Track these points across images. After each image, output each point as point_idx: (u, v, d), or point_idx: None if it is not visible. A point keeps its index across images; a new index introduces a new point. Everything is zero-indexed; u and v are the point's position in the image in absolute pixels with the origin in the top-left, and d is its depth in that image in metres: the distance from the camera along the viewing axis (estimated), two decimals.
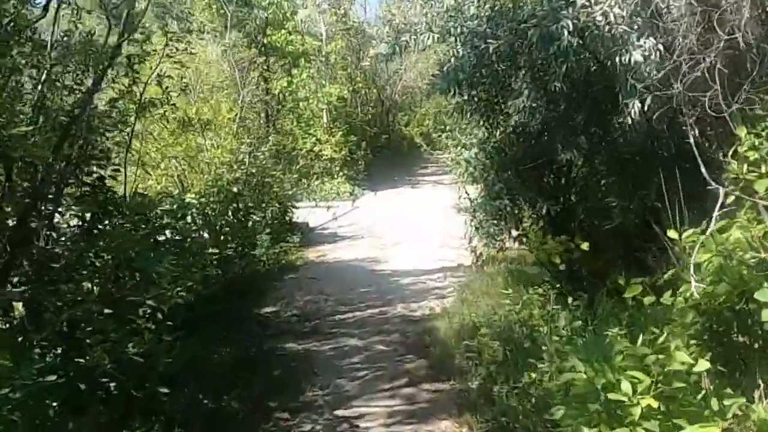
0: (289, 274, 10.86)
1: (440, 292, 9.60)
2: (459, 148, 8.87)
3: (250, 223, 12.07)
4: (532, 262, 9.00)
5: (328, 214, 15.02)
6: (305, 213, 13.83)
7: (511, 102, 6.21)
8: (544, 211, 7.07)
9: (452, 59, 7.06)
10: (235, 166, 11.94)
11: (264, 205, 12.16)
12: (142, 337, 5.46)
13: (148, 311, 5.71)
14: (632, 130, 5.82)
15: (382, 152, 21.58)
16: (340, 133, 18.97)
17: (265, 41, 18.65)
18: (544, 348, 6.37)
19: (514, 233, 8.34)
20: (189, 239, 8.81)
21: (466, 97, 7.29)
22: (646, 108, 5.64)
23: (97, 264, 6.08)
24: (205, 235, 10.11)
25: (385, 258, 11.60)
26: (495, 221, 7.73)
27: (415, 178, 22.13)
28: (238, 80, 13.71)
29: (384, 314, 8.74)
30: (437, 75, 7.20)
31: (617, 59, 5.57)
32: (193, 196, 10.81)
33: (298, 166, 13.04)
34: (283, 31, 18.43)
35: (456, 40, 6.98)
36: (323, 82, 19.10)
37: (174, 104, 8.37)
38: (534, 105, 6.12)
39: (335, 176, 18.53)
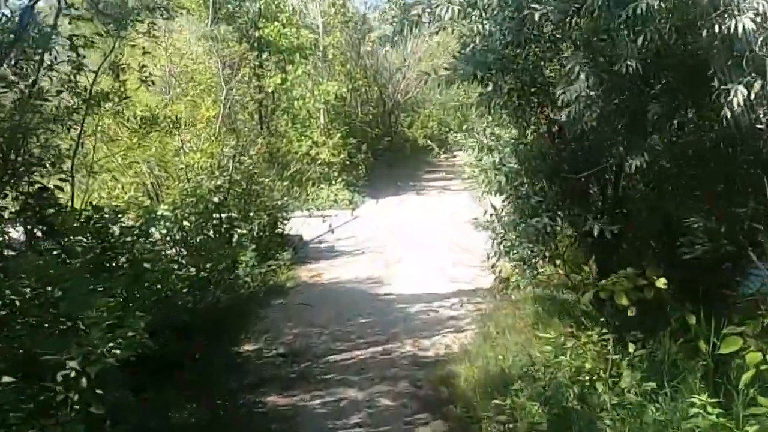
0: (278, 298, 9.29)
1: (456, 323, 8.03)
2: (479, 151, 7.28)
3: (235, 238, 10.55)
4: (565, 283, 7.46)
5: (324, 226, 13.48)
6: (299, 223, 12.26)
7: (561, 90, 4.63)
8: (595, 232, 5.48)
9: (477, 38, 5.50)
10: (217, 172, 10.40)
11: (251, 216, 10.62)
12: (56, 416, 3.97)
13: (72, 374, 4.17)
14: (729, 127, 4.24)
15: (385, 156, 20.01)
16: (339, 134, 17.42)
17: (257, 34, 17.09)
18: (604, 416, 4.82)
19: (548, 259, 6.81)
20: (152, 263, 7.34)
21: (491, 87, 5.73)
22: (752, 96, 4.09)
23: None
24: (183, 251, 8.62)
25: (388, 278, 10.03)
26: (530, 244, 6.14)
27: (420, 183, 20.57)
28: (221, 75, 12.11)
29: (389, 353, 7.17)
30: (458, 57, 5.63)
31: (715, 28, 4.01)
32: (167, 207, 9.35)
33: (290, 172, 11.46)
34: (276, 23, 16.87)
35: (482, 14, 5.40)
36: (320, 78, 17.54)
37: (129, 97, 6.84)
38: (592, 93, 4.54)
39: (333, 182, 16.97)
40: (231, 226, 10.44)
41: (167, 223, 9.23)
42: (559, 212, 5.86)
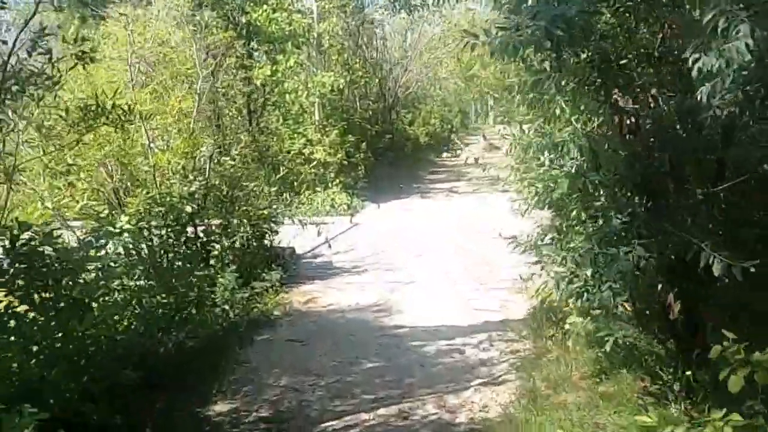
0: (263, 332, 7.53)
1: (489, 371, 6.29)
2: (525, 151, 5.57)
3: (214, 254, 8.82)
4: (628, 318, 5.75)
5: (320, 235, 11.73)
6: (290, 233, 10.48)
7: (696, 55, 2.90)
8: (717, 270, 3.72)
9: None
10: (192, 176, 8.67)
11: (232, 228, 8.88)
12: None
13: None
14: None
15: (386, 155, 18.26)
16: (335, 131, 15.67)
17: (245, 20, 15.32)
18: None
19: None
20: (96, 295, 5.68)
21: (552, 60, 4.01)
22: None
23: None
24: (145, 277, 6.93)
25: (397, 305, 8.27)
26: (614, 283, 4.36)
27: (425, 185, 18.83)
28: (197, 60, 10.36)
29: (405, 417, 5.42)
30: (511, 17, 3.87)
31: None
32: (127, 219, 7.62)
33: (281, 174, 9.71)
34: (265, 6, 15.09)
35: None
36: (315, 70, 15.79)
37: (58, 82, 5.08)
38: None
39: (329, 185, 15.22)
40: (208, 240, 8.74)
41: (127, 240, 7.55)
42: (661, 239, 4.10)
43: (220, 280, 8.23)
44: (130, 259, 7.00)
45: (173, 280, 6.66)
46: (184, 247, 8.34)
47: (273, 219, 9.34)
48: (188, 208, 8.21)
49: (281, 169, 15.22)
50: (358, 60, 16.93)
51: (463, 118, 34.00)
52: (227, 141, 15.86)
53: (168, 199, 8.21)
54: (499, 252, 10.19)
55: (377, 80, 17.88)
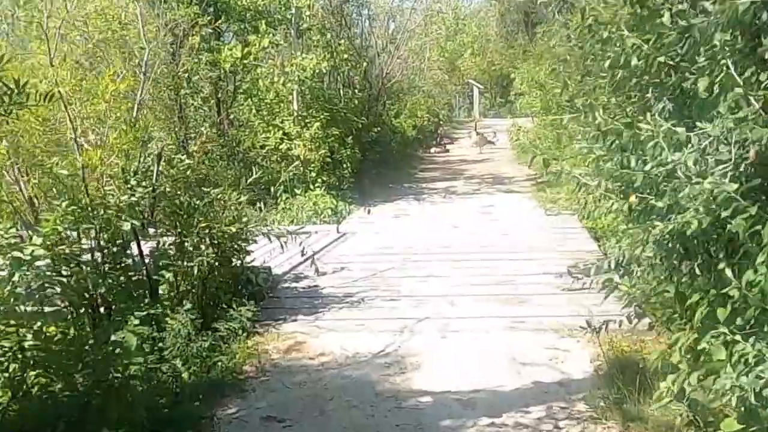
0: (228, 404, 5.35)
1: None
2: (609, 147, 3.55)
3: (164, 286, 6.66)
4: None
5: (303, 249, 9.59)
6: (267, 246, 8.21)
7: None
8: None
9: None
10: (134, 181, 6.46)
11: (189, 249, 6.71)
12: None
13: None
14: None
15: (373, 150, 16.08)
16: (317, 124, 13.47)
17: None
18: None
19: None
20: None
21: None
22: None
23: None
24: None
25: (411, 354, 6.11)
26: None
27: (417, 185, 16.67)
28: (143, 36, 8.11)
29: None
30: None
31: None
32: (41, 241, 5.52)
33: (252, 177, 7.49)
34: None
35: None
36: (293, 52, 13.58)
37: None
38: None
39: (311, 186, 13.03)
40: (156, 266, 6.59)
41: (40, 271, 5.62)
42: None
43: (171, 323, 6.08)
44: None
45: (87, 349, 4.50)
46: (121, 279, 6.23)
47: (243, 237, 7.15)
48: (126, 225, 6.07)
49: (254, 168, 13.04)
50: (342, 42, 14.70)
51: (449, 111, 31.94)
52: (190, 135, 13.66)
53: (101, 212, 6.05)
54: (530, 275, 8.10)
55: (363, 66, 15.65)
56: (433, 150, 23.28)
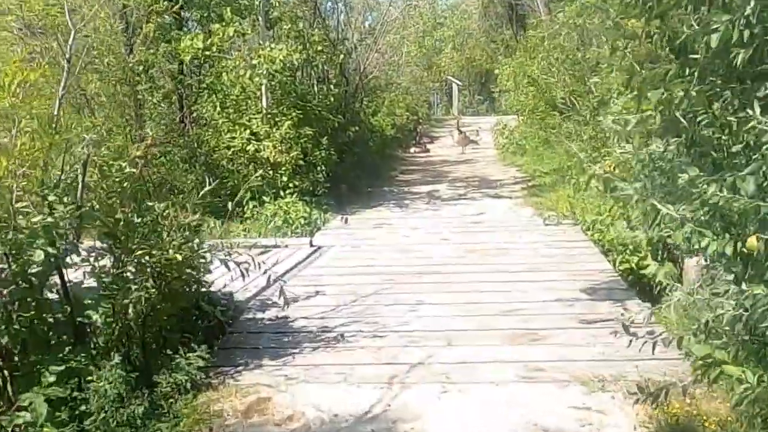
0: None
1: None
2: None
3: (93, 328, 5.32)
4: None
5: (271, 268, 8.24)
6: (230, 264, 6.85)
7: None
8: None
9: None
10: (53, 197, 5.10)
11: (124, 285, 5.33)
12: None
13: None
14: None
15: (350, 151, 14.74)
16: (288, 123, 12.11)
17: None
18: None
19: None
20: None
21: None
22: None
23: None
24: None
25: (404, 421, 4.79)
26: None
27: (398, 188, 15.35)
28: (67, 12, 6.69)
29: None
30: None
31: None
32: None
33: (210, 186, 6.13)
34: None
35: None
36: (261, 42, 12.19)
37: None
38: None
39: (281, 192, 11.67)
40: (83, 305, 5.26)
41: None
42: None
43: (96, 383, 4.73)
44: None
45: None
46: (35, 323, 4.92)
47: (193, 265, 5.80)
48: (39, 255, 4.74)
49: (218, 172, 11.71)
50: (316, 31, 13.32)
51: (427, 109, 30.68)
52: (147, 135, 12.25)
53: (9, 236, 4.73)
54: (535, 299, 6.86)
55: (339, 59, 14.26)
56: (412, 150, 21.99)
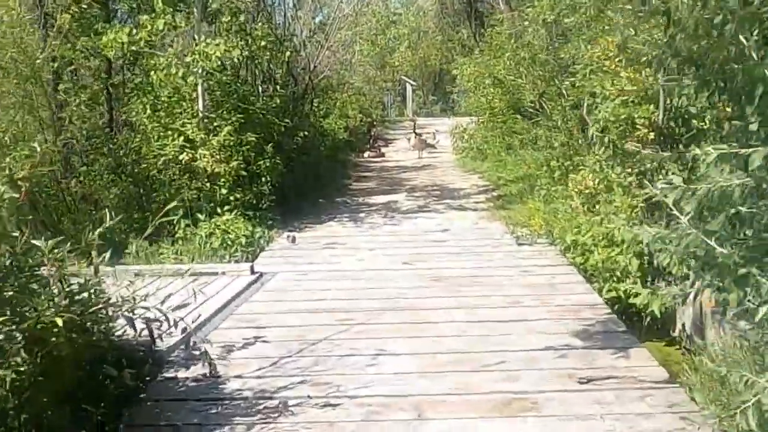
0: None
1: None
2: None
3: None
4: None
5: (208, 305, 6.90)
6: (160, 291, 5.45)
7: None
8: None
9: None
10: None
11: None
12: None
13: None
14: None
15: (299, 159, 13.37)
16: (228, 128, 10.71)
17: None
18: None
19: None
20: None
21: None
22: None
23: None
24: None
25: None
26: None
27: (352, 199, 14.07)
28: None
29: None
30: None
31: None
32: None
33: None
34: None
35: None
36: (196, 36, 10.76)
37: None
38: None
39: (219, 208, 10.26)
40: None
41: None
42: None
43: None
44: None
45: None
46: None
47: (83, 327, 4.41)
48: None
49: (145, 185, 10.29)
50: (259, 25, 11.90)
51: (382, 110, 29.44)
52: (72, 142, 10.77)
53: None
54: (519, 346, 5.68)
55: (286, 56, 12.84)
56: (366, 154, 20.72)
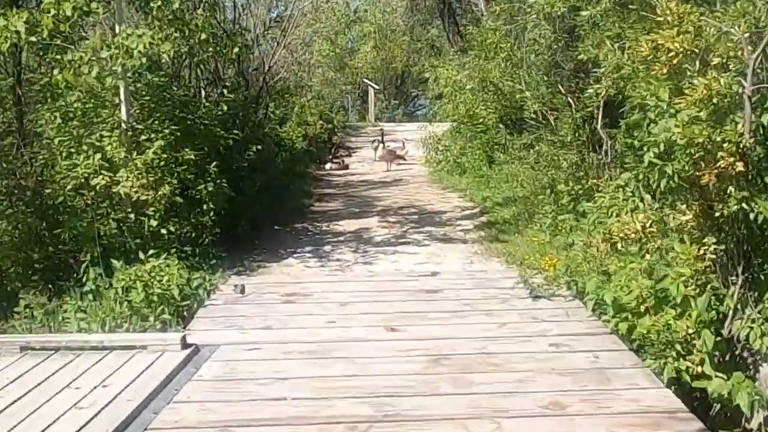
0: None
1: None
2: None
3: None
4: None
5: (105, 413, 4.64)
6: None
7: None
8: None
9: None
10: None
11: None
12: None
13: None
14: None
15: (251, 178, 11.04)
16: (160, 142, 8.39)
17: None
18: None
19: None
20: None
21: None
22: None
23: None
24: None
25: None
26: None
27: (315, 225, 11.80)
28: None
29: None
30: None
31: None
32: None
33: None
34: None
35: None
36: (119, 26, 8.38)
37: None
38: None
39: (147, 246, 7.93)
40: None
41: None
42: None
43: None
44: None
45: None
46: None
47: None
48: None
49: (51, 216, 7.93)
50: (201, 14, 9.52)
51: (344, 115, 27.19)
52: None
53: None
54: None
55: (232, 54, 10.39)
56: (328, 166, 18.46)
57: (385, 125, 26.22)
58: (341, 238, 10.73)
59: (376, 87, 30.83)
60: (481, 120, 14.58)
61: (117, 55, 7.70)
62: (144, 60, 7.49)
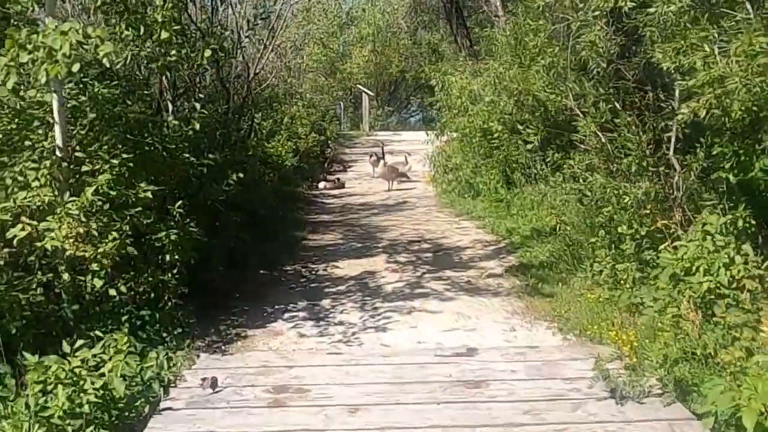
0: None
1: None
2: None
3: None
4: None
5: None
6: None
7: None
8: None
9: None
10: None
11: None
12: None
13: None
14: None
15: (229, 214, 8.87)
16: (106, 176, 6.25)
17: None
18: None
19: None
20: None
21: None
22: None
23: None
24: None
25: None
26: None
27: (308, 269, 9.64)
28: None
29: None
30: None
31: None
32: None
33: None
34: None
35: None
36: (45, 21, 6.23)
37: None
38: None
39: (87, 316, 5.78)
40: None
41: None
42: None
43: None
44: None
45: None
46: None
47: None
48: None
49: None
50: (166, 9, 7.36)
51: (338, 125, 25.14)
52: None
53: None
54: None
55: (204, 59, 8.11)
56: (322, 185, 16.35)
57: (381, 135, 24.20)
58: (342, 287, 8.63)
59: (371, 94, 28.81)
60: (496, 135, 12.62)
61: (41, 59, 5.57)
62: (74, 67, 5.33)
